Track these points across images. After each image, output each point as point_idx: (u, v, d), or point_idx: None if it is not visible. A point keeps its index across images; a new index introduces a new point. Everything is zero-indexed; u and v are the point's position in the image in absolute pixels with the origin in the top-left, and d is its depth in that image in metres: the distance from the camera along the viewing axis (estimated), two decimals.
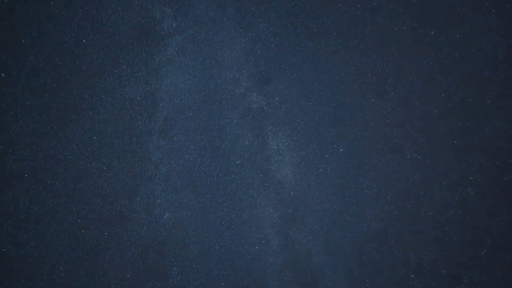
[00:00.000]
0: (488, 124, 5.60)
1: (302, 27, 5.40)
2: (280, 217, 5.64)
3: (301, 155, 5.60)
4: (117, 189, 5.14)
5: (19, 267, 4.73)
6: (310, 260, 5.75)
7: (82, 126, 4.92)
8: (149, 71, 5.10)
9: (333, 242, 5.81)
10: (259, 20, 5.30)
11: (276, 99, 5.51)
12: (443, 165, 5.70)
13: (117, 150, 5.06)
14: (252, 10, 5.27)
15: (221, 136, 5.46)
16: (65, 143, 4.90)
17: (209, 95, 5.36)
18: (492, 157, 5.64)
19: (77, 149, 4.96)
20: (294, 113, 5.54)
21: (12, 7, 4.42)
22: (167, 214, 4.94)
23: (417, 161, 5.71)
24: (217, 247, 5.43)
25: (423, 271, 5.84)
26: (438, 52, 5.58)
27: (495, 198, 5.69)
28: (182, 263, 5.35)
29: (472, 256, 5.76)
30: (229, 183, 5.46)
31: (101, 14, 4.83)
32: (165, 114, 5.26)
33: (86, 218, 5.04)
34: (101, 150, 5.08)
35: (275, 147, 5.55)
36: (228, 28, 5.29)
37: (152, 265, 5.33)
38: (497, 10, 5.40)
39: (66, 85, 4.75)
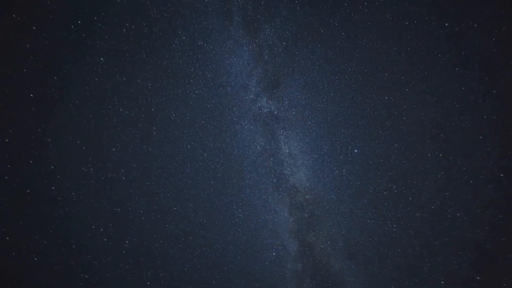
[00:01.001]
0: None
1: (309, 29, 5.40)
2: (296, 222, 5.54)
3: (314, 158, 5.51)
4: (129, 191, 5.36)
5: None
6: (330, 266, 5.57)
7: None
8: None
9: (353, 247, 5.60)
10: (265, 27, 5.39)
11: (286, 102, 5.52)
12: (469, 162, 5.36)
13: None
14: (258, 17, 5.37)
15: (233, 143, 5.53)
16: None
17: (219, 103, 5.48)
18: None
19: None
20: (305, 115, 5.50)
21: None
22: None
23: (439, 158, 5.42)
24: (234, 253, 5.42)
25: (455, 278, 5.45)
26: (454, 44, 5.33)
27: None
28: (199, 269, 5.40)
29: (510, 260, 5.30)
30: (242, 189, 5.48)
31: None
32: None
33: None
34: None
35: (287, 151, 5.53)
36: (236, 37, 5.42)
37: (172, 271, 5.42)
38: None
39: None
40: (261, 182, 5.50)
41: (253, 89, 5.51)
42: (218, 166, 5.49)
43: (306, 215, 5.46)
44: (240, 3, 5.30)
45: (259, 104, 5.52)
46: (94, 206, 5.32)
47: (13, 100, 5.02)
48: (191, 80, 5.35)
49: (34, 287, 5.16)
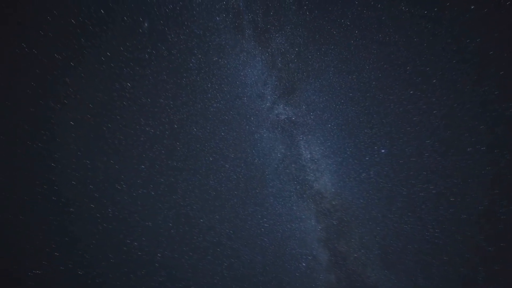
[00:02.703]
0: None
1: (321, 32, 5.35)
2: (325, 230, 5.29)
3: (338, 161, 5.28)
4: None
5: None
6: (366, 277, 5.17)
7: None
8: None
9: (390, 255, 5.16)
10: (276, 35, 5.46)
11: (304, 107, 5.43)
12: None
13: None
14: (268, 27, 5.47)
15: (253, 152, 5.55)
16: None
17: (237, 114, 5.58)
18: None
19: None
20: (324, 118, 5.35)
21: None
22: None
23: (482, 153, 4.86)
24: (262, 264, 5.31)
25: None
26: (486, 26, 4.87)
27: None
28: (228, 281, 5.36)
29: None
30: (266, 198, 5.42)
31: None
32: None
33: None
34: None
35: (309, 156, 5.38)
36: (248, 49, 5.55)
37: (202, 283, 5.46)
38: None
39: None
40: (285, 190, 5.40)
41: (269, 97, 5.55)
42: (241, 176, 5.53)
43: (334, 222, 5.19)
44: (250, 16, 5.46)
45: (276, 112, 5.52)
46: (127, 221, 5.65)
47: (58, 128, 5.65)
48: (209, 95, 5.57)
49: None
